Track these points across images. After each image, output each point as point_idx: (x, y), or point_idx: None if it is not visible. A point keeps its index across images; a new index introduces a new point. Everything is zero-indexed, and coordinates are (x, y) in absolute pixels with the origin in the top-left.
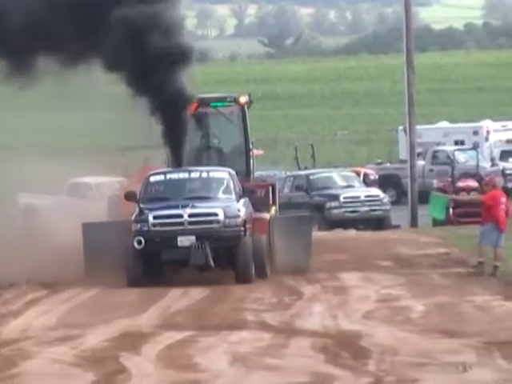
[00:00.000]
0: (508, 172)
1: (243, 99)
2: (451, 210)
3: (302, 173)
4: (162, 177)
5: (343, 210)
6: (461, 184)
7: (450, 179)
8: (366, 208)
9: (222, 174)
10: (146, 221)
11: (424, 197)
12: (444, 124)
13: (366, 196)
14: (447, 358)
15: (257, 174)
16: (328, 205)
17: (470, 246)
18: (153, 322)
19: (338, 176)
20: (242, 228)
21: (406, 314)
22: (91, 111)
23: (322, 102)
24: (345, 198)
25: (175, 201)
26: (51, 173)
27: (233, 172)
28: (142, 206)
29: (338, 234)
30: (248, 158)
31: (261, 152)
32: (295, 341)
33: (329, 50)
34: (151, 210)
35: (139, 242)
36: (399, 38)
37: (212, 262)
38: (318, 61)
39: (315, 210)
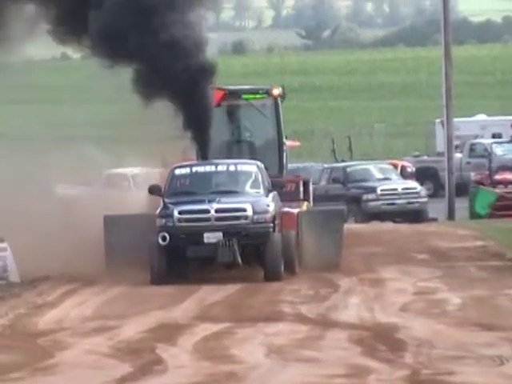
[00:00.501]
0: None
1: (276, 91)
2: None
3: (339, 165)
4: (187, 170)
5: (380, 202)
6: (498, 177)
7: (487, 172)
8: (403, 201)
9: (250, 167)
10: (171, 216)
11: (461, 190)
12: (481, 117)
13: (403, 189)
14: (484, 350)
15: (293, 166)
16: (365, 197)
17: (507, 239)
18: (189, 314)
19: (375, 168)
20: (271, 224)
21: (442, 306)
22: (122, 102)
23: (360, 94)
24: (382, 190)
25: (201, 195)
26: (88, 163)
27: (261, 165)
28: (166, 200)
29: (375, 226)
30: (281, 152)
31: (297, 144)
32: (331, 333)
33: (366, 42)
34: (176, 204)
35: (164, 238)
36: (437, 31)
37: (240, 260)
38: (355, 53)
39: (352, 202)
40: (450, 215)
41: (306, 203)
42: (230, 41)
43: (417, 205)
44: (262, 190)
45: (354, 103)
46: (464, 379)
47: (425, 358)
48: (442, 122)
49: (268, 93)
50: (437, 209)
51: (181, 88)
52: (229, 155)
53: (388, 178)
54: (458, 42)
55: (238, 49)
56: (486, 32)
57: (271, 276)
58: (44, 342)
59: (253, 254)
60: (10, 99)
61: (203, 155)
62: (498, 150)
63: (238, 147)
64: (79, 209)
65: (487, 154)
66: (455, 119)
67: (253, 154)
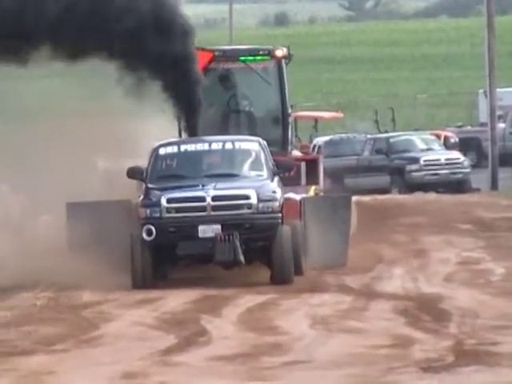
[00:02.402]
0: None
1: (280, 52)
2: None
3: (383, 136)
4: (174, 148)
5: (423, 173)
6: None
7: None
8: (447, 171)
9: (251, 144)
10: (158, 205)
11: (504, 160)
12: None
13: (447, 159)
14: None
15: (337, 136)
16: (408, 168)
17: None
18: (233, 285)
19: (418, 139)
20: (280, 214)
21: (486, 276)
22: None
23: (402, 65)
24: (425, 161)
25: (193, 179)
26: (131, 136)
27: (264, 142)
28: (150, 185)
29: (418, 197)
30: (285, 125)
31: (341, 115)
32: (375, 304)
33: (408, 13)
34: (163, 190)
35: (149, 232)
36: (479, 1)
37: (242, 258)
38: (397, 24)
39: (395, 173)
40: (494, 185)
41: (313, 187)
42: (272, 12)
43: (460, 175)
44: (265, 173)
45: (397, 74)
46: (509, 349)
47: (469, 328)
48: (484, 93)
49: (270, 54)
50: (480, 179)
51: (153, 52)
52: (223, 129)
53: (431, 149)
54: (500, 11)
55: (281, 20)
56: None
57: (280, 277)
58: (89, 313)
59: (257, 251)
60: (44, 74)
61: (191, 130)
62: None
63: (234, 119)
64: (122, 183)
65: None
66: (498, 89)
67: (252, 127)
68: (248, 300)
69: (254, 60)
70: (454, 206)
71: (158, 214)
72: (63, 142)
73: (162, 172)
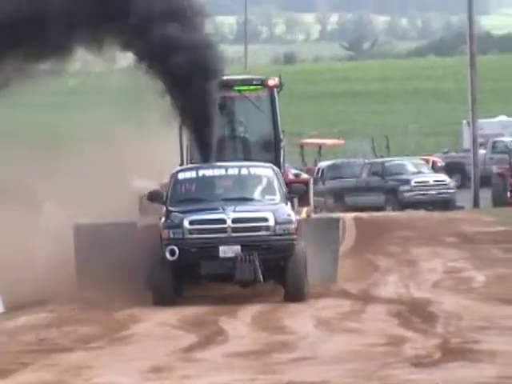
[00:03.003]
0: None
1: (272, 82)
2: (509, 193)
3: (378, 160)
4: (192, 173)
5: (414, 193)
6: None
7: (507, 166)
8: (434, 191)
9: (265, 170)
10: (181, 227)
11: (485, 181)
12: (502, 118)
13: (434, 181)
14: (506, 322)
15: (339, 161)
16: (401, 188)
17: None
18: (247, 291)
19: (409, 163)
20: (295, 236)
21: (469, 283)
22: None
23: (395, 99)
24: (415, 182)
25: (211, 203)
26: (163, 157)
27: (276, 168)
28: (171, 208)
29: (410, 214)
30: (277, 149)
31: (342, 142)
32: (372, 307)
33: (401, 53)
34: (185, 213)
35: (172, 253)
36: (463, 43)
37: (261, 277)
38: (391, 62)
39: (389, 193)
40: (476, 204)
41: (305, 209)
42: (281, 52)
43: (446, 195)
44: (278, 197)
45: (391, 106)
46: (489, 347)
47: (454, 328)
48: (467, 123)
49: (263, 83)
50: (464, 198)
51: (180, 80)
52: (220, 153)
53: (421, 172)
54: (481, 52)
55: (289, 59)
56: (506, 44)
57: (294, 296)
58: (120, 315)
59: (273, 270)
60: (72, 102)
61: (205, 156)
62: None
63: (229, 144)
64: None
65: (508, 150)
66: (479, 120)
67: (247, 151)
68: (260, 305)
69: (248, 89)
70: (441, 222)
71: (180, 236)
72: (100, 164)
73: (182, 196)
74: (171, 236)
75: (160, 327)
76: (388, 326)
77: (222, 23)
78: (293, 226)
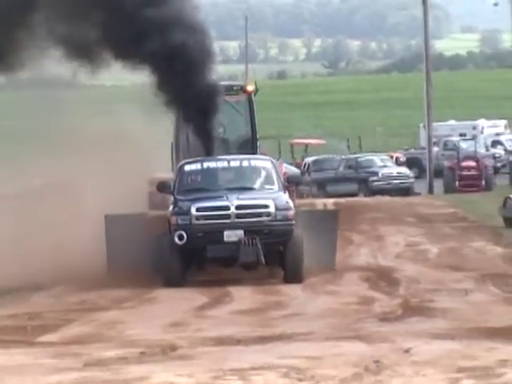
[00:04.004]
0: (497, 156)
1: (250, 87)
2: (457, 183)
3: (352, 156)
4: (198, 166)
5: (381, 182)
6: (463, 164)
7: (456, 160)
8: (397, 181)
9: (264, 162)
10: (188, 213)
11: (438, 173)
12: (452, 122)
13: (397, 172)
14: (454, 285)
15: (320, 157)
16: (371, 179)
17: (469, 207)
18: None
19: (377, 159)
20: (293, 221)
21: (425, 254)
22: None
23: (366, 107)
24: (382, 174)
25: (215, 192)
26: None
27: (275, 161)
28: (178, 197)
29: (378, 199)
30: (255, 148)
31: (323, 142)
32: (348, 274)
33: (370, 70)
34: (192, 201)
35: (180, 237)
36: (420, 62)
37: (263, 260)
38: (362, 78)
39: (362, 182)
40: (430, 191)
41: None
42: (275, 70)
43: (407, 184)
44: (276, 187)
45: (363, 113)
46: (441, 305)
47: (413, 290)
48: (424, 126)
49: (242, 89)
50: (420, 186)
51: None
52: (201, 152)
53: (386, 166)
54: (435, 69)
55: (281, 75)
56: (455, 62)
57: (292, 277)
58: (147, 282)
59: (274, 254)
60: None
61: (208, 150)
62: (463, 145)
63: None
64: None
65: (456, 148)
66: (433, 123)
67: (227, 150)
68: (260, 276)
69: (229, 94)
70: (403, 205)
71: (188, 222)
72: (127, 161)
73: (188, 186)
74: (179, 222)
75: (178, 291)
76: (360, 289)
77: (227, 47)
78: (291, 213)
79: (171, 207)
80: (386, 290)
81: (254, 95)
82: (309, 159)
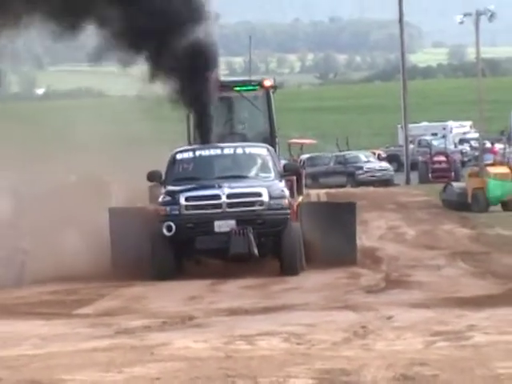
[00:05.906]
0: (464, 151)
1: (268, 82)
2: (430, 175)
3: (341, 153)
4: (190, 154)
5: (366, 175)
6: (435, 158)
7: (429, 156)
8: (379, 174)
9: (260, 150)
10: (177, 203)
11: (414, 166)
12: (424, 123)
13: (379, 167)
14: (429, 262)
15: (313, 155)
16: (357, 172)
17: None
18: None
19: (362, 155)
20: (288, 210)
21: (403, 236)
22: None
23: (353, 111)
24: (367, 168)
25: (208, 181)
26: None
27: (271, 148)
28: (168, 186)
29: (363, 189)
30: (273, 144)
31: (315, 141)
32: None
33: (356, 80)
34: (182, 191)
35: (169, 228)
36: (398, 72)
37: (256, 251)
38: (349, 87)
39: (349, 175)
40: (407, 182)
41: (300, 197)
42: None
43: (387, 176)
44: (272, 175)
45: (350, 117)
46: (417, 279)
47: (394, 266)
48: (401, 127)
49: (260, 84)
50: (399, 178)
51: (183, 68)
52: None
53: (370, 161)
54: (410, 78)
55: (280, 86)
56: (427, 72)
57: (288, 269)
58: None
59: (269, 245)
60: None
61: (204, 138)
62: (435, 143)
63: (230, 139)
64: None
65: (428, 145)
66: (410, 125)
67: None
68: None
69: (246, 89)
70: (384, 195)
71: (177, 212)
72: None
73: (179, 175)
74: (168, 212)
75: (193, 269)
76: (348, 266)
77: (234, 62)
78: (286, 201)
79: (161, 197)
80: (371, 267)
81: (273, 92)
82: (304, 156)
